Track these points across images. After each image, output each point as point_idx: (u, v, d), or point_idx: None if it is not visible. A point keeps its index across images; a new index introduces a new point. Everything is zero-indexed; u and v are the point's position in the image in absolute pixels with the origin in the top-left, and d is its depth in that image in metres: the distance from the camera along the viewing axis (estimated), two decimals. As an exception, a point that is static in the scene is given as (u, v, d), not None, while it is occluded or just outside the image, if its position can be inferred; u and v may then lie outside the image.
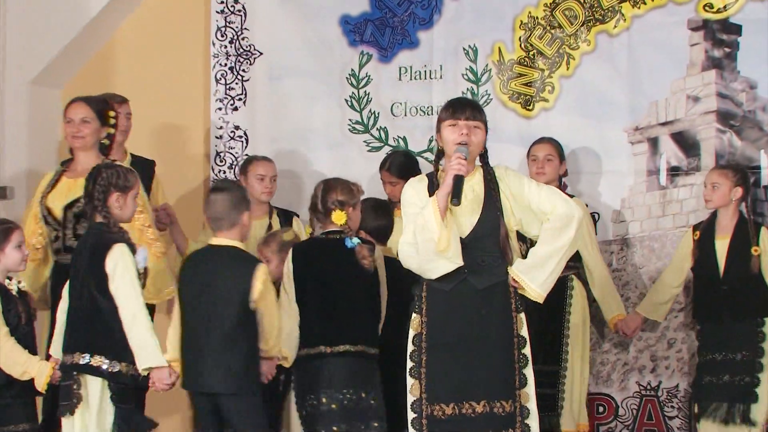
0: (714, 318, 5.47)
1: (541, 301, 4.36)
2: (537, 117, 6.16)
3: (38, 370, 4.62)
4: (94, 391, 4.54)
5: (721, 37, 5.91)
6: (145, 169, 5.75)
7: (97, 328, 4.54)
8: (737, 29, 5.90)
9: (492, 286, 4.32)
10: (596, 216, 6.05)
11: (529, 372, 4.33)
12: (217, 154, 6.51)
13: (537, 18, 6.15)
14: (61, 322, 4.71)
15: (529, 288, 4.33)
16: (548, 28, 6.13)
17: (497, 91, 6.24)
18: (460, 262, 4.23)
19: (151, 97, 6.42)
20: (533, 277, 4.30)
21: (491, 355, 4.27)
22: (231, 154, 6.50)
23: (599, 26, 6.07)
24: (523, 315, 4.36)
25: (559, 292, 5.50)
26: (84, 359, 4.51)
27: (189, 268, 4.77)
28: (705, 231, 5.56)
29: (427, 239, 4.20)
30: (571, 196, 5.35)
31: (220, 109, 6.51)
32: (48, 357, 4.81)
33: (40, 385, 4.64)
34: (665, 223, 5.97)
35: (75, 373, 4.53)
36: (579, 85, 6.10)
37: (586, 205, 5.86)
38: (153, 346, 4.54)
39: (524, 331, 4.35)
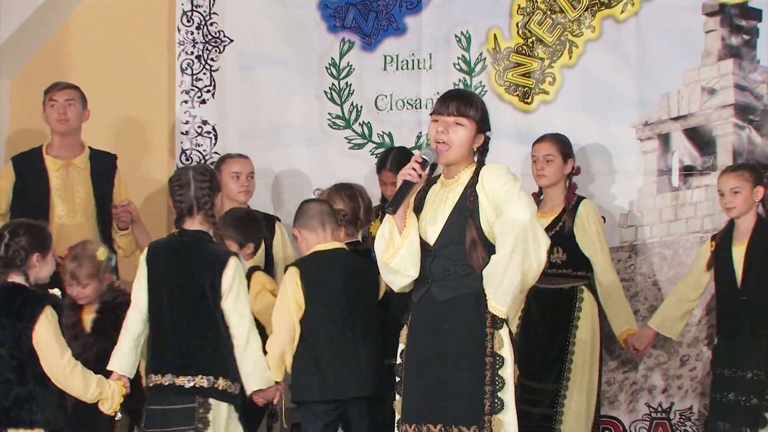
0: (732, 332, 5.31)
1: (502, 315, 4.09)
2: (536, 111, 6.04)
3: (111, 392, 4.47)
4: (222, 414, 4.51)
5: (739, 23, 5.77)
6: (106, 163, 5.79)
7: (219, 348, 4.51)
8: (757, 14, 5.76)
9: (458, 298, 4.13)
10: (602, 220, 5.80)
11: (507, 396, 4.09)
12: (183, 151, 6.37)
13: (536, 2, 6.04)
14: (133, 336, 4.58)
15: (488, 301, 4.11)
16: (548, 12, 6.01)
17: (492, 82, 6.11)
18: (413, 275, 4.14)
19: (109, 89, 6.33)
20: (490, 289, 4.08)
21: (452, 374, 4.10)
22: (198, 151, 6.35)
23: (605, 11, 5.94)
24: (503, 332, 4.11)
25: (567, 303, 5.49)
26: (207, 381, 4.47)
27: (314, 277, 4.77)
28: (722, 239, 5.39)
29: (380, 249, 4.19)
30: (581, 198, 5.59)
31: (186, 101, 6.38)
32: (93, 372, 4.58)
33: (112, 408, 4.48)
34: (678, 228, 5.83)
35: (198, 397, 4.48)
36: (582, 76, 5.98)
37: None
38: (266, 367, 4.61)
39: (505, 351, 4.10)
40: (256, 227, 5.22)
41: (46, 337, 4.29)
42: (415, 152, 4.17)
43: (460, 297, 4.12)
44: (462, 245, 4.10)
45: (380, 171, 5.71)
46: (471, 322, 4.10)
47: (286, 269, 4.86)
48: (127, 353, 4.56)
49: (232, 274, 4.48)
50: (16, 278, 4.38)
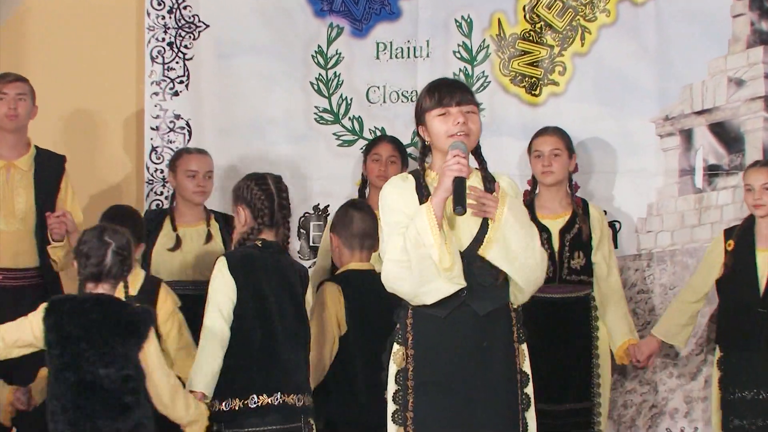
0: (746, 346, 5.21)
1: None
2: (545, 104, 5.94)
3: (201, 415, 4.37)
4: None
5: (770, 6, 5.78)
6: (52, 165, 5.57)
7: (306, 365, 4.59)
8: (790, -3, 5.77)
9: (495, 312, 4.04)
10: (617, 225, 5.82)
11: (530, 416, 4.08)
12: (153, 149, 6.14)
13: (545, -18, 6.05)
14: (224, 354, 4.43)
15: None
16: (559, -6, 6.03)
17: (496, 72, 5.99)
18: (462, 283, 3.98)
19: (70, 79, 6.19)
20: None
21: (494, 395, 4.00)
22: (170, 149, 6.11)
23: (621, -8, 5.96)
24: (525, 346, 4.10)
25: (583, 313, 5.42)
26: (309, 400, 4.51)
27: (353, 297, 4.82)
28: (741, 239, 5.29)
29: (423, 256, 3.93)
30: (585, 201, 5.54)
31: (156, 93, 6.18)
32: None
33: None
34: (701, 233, 5.75)
35: (304, 416, 4.48)
36: (596, 66, 5.89)
37: (605, 212, 5.70)
38: None
39: (527, 366, 4.09)
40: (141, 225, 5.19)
41: (157, 358, 4.19)
42: (452, 151, 3.97)
43: (496, 311, 4.05)
44: None
45: (376, 145, 5.66)
46: (504, 338, 4.06)
47: (320, 285, 4.89)
48: (216, 373, 4.44)
49: (311, 292, 4.72)
50: (104, 289, 4.18)
